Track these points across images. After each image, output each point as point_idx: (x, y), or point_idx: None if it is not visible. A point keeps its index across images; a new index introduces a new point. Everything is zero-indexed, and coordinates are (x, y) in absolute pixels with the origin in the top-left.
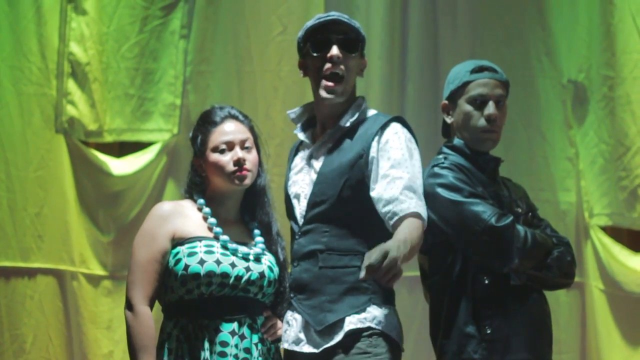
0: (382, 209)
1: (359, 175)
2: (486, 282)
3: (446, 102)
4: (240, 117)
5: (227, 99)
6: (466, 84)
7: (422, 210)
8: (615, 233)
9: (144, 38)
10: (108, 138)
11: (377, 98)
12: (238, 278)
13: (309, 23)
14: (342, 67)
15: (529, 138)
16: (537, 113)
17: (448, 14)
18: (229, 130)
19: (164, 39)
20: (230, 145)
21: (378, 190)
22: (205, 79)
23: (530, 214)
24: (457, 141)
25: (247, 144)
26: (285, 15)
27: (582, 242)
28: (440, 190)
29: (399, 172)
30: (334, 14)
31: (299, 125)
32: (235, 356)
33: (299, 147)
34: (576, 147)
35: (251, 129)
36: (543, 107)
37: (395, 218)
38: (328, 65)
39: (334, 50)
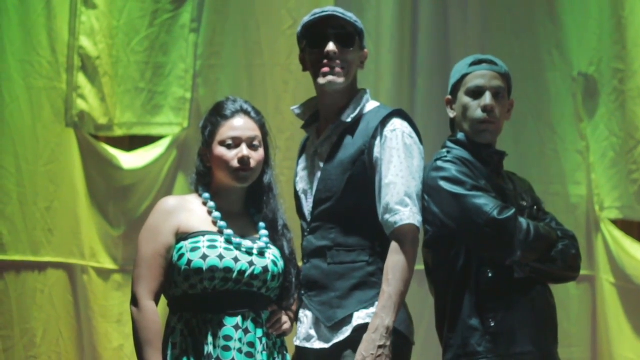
0: (380, 217)
1: (361, 170)
2: (490, 275)
3: (449, 97)
4: (253, 113)
5: (237, 92)
6: (464, 76)
7: (415, 218)
8: (626, 226)
9: (154, 32)
10: (118, 132)
11: (387, 92)
12: (241, 272)
13: (305, 19)
14: (339, 61)
15: (539, 131)
16: (548, 106)
17: (458, 7)
18: (238, 125)
19: (174, 33)
20: (237, 142)
21: (377, 198)
22: (216, 72)
23: (535, 207)
24: (460, 135)
25: (254, 142)
26: (295, 9)
27: (593, 236)
28: (442, 184)
29: (393, 177)
30: (329, 9)
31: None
32: (239, 350)
33: (306, 142)
34: (587, 140)
35: (262, 126)
36: (553, 100)
37: (389, 232)
38: (325, 60)
39: (331, 46)
